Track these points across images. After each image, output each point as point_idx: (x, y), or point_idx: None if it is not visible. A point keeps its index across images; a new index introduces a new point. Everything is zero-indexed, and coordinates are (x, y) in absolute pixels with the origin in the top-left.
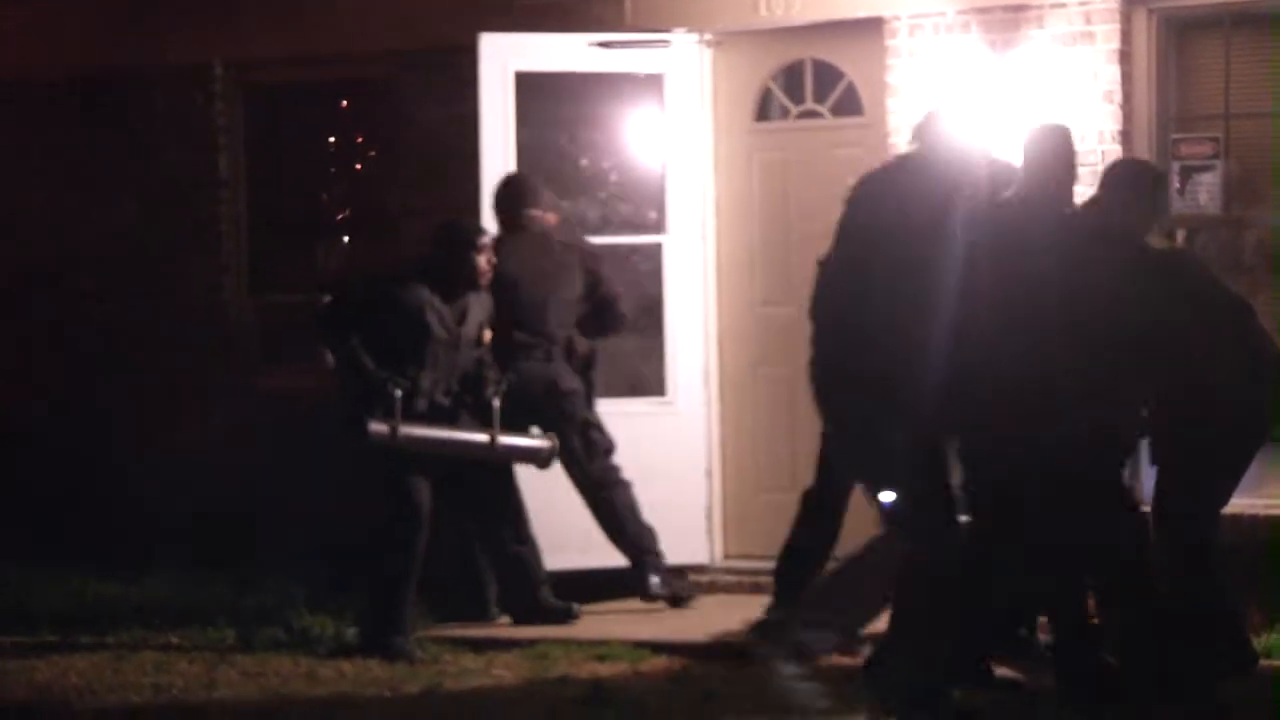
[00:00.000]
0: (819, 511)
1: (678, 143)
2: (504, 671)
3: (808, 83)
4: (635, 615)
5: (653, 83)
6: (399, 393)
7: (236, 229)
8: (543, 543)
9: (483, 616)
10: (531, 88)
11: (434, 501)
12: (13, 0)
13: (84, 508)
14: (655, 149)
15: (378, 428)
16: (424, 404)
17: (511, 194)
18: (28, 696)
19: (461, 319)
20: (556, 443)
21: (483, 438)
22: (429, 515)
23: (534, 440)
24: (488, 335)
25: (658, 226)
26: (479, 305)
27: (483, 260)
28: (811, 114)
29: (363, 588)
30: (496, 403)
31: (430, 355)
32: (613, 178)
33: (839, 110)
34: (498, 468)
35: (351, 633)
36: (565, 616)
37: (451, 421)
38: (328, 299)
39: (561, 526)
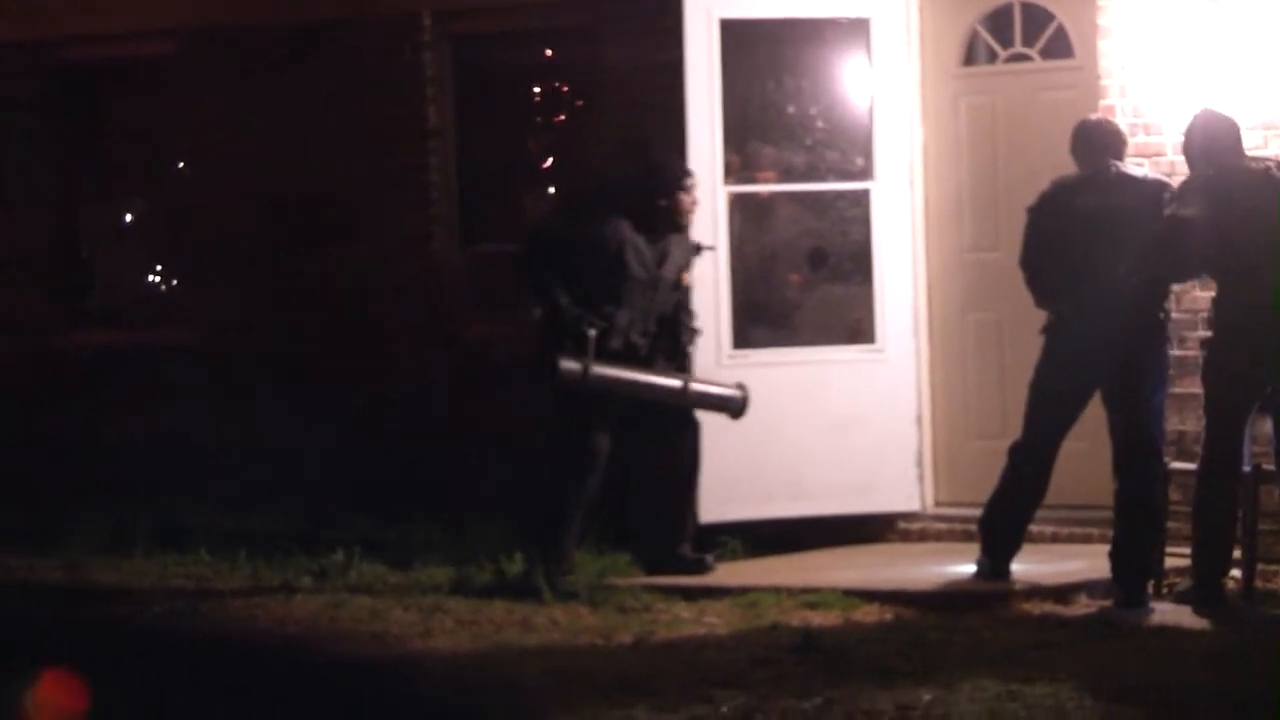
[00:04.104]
0: (1027, 465)
1: (884, 88)
2: (715, 620)
3: (1016, 25)
4: (846, 563)
5: (858, 28)
6: (593, 331)
7: (445, 179)
8: (753, 491)
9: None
10: (737, 35)
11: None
12: None
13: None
14: (861, 95)
15: (569, 365)
16: (619, 343)
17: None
18: (248, 641)
19: (662, 260)
20: (748, 393)
21: (675, 382)
22: (604, 461)
23: (727, 389)
24: (687, 279)
25: (865, 173)
26: (680, 249)
27: (687, 201)
28: (1020, 57)
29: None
30: (692, 348)
31: (627, 294)
32: (819, 124)
33: (1048, 53)
34: (682, 417)
35: (568, 580)
36: (700, 568)
37: (646, 364)
38: (529, 237)
39: (772, 475)
